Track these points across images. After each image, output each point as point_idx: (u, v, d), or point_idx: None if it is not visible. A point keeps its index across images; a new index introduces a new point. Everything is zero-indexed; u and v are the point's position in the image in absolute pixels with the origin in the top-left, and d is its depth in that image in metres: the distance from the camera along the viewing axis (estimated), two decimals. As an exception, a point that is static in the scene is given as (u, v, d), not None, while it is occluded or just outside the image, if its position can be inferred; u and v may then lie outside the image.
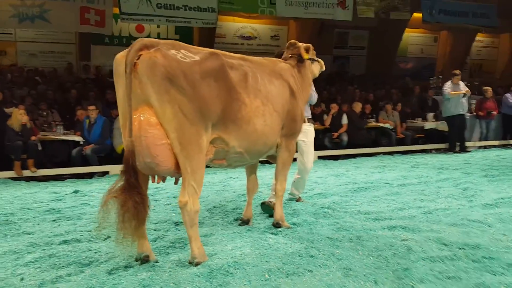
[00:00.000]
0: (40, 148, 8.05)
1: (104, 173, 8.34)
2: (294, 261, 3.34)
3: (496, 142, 11.83)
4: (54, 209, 5.28)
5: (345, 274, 3.09)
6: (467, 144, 11.05)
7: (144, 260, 3.36)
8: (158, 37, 16.18)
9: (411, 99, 13.77)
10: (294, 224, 4.39)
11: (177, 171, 3.21)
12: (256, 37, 17.83)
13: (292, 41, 4.64)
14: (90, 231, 4.32)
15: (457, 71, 10.73)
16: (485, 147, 11.70)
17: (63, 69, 14.00)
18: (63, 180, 7.83)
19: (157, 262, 3.40)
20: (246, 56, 3.92)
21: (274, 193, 4.58)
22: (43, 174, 7.84)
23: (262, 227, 4.36)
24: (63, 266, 3.39)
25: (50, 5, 12.07)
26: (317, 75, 4.91)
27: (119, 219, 3.00)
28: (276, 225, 4.29)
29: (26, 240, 4.04)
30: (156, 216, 4.82)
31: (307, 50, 4.45)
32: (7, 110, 8.87)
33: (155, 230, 4.32)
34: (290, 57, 4.51)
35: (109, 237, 4.12)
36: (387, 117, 11.18)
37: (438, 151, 11.03)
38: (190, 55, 3.18)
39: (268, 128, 3.78)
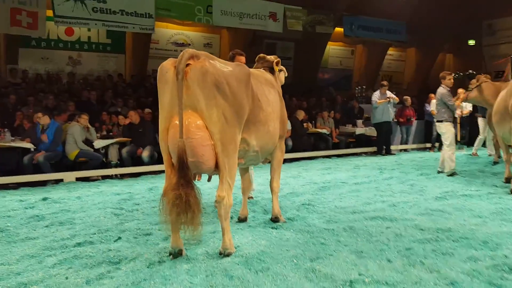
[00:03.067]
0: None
1: (57, 181, 8.06)
2: (311, 249, 3.81)
3: (415, 146, 13.40)
4: (37, 215, 5.18)
5: (359, 256, 3.63)
6: (391, 147, 12.40)
7: (178, 254, 3.60)
8: (89, 40, 15.72)
9: (337, 107, 15.00)
10: (289, 219, 4.85)
11: (216, 170, 3.52)
12: (189, 44, 18.00)
13: (262, 55, 5.02)
14: (95, 234, 4.40)
15: (385, 82, 12.07)
16: (405, 150, 13.17)
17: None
18: (15, 189, 7.46)
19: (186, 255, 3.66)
20: None
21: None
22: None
23: (260, 223, 4.77)
24: (94, 265, 3.51)
25: (-22, 6, 11.24)
26: (283, 82, 5.39)
27: (179, 212, 3.22)
28: (275, 219, 4.74)
29: (36, 245, 4.02)
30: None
31: (277, 63, 4.94)
32: None
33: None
34: (262, 69, 4.91)
35: (120, 238, 4.26)
36: (324, 123, 12.14)
37: (367, 154, 12.22)
38: (224, 65, 3.54)
39: (275, 130, 4.28)
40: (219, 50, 18.29)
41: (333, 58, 21.68)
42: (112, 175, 8.78)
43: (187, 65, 3.35)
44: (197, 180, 3.72)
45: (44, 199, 6.18)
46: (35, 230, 4.56)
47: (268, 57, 4.94)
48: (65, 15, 11.81)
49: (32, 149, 8.05)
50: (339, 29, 18.06)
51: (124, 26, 12.89)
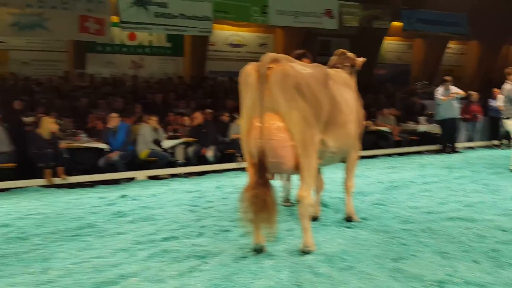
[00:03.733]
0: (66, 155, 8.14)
1: (129, 179, 8.50)
2: (392, 249, 3.81)
3: (481, 143, 12.83)
4: (119, 212, 5.52)
5: (444, 257, 3.59)
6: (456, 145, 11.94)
7: (260, 250, 3.73)
8: (150, 44, 16.37)
9: (396, 103, 14.65)
10: (362, 218, 4.85)
11: (296, 170, 3.61)
12: (244, 45, 18.27)
13: (342, 50, 5.04)
14: (177, 229, 4.63)
15: (448, 77, 11.64)
16: (471, 147, 12.64)
17: (59, 78, 13.87)
18: (91, 187, 7.94)
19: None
20: None
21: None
22: (72, 181, 7.92)
23: (333, 221, 4.81)
24: (183, 259, 3.71)
25: (49, 14, 11.99)
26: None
27: (256, 211, 3.35)
28: (348, 219, 4.76)
29: (126, 240, 4.30)
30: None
31: (359, 65, 4.93)
32: (26, 119, 8.91)
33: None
34: (342, 66, 4.91)
35: (201, 233, 4.46)
36: (384, 120, 11.92)
37: (430, 152, 11.84)
38: (303, 67, 3.62)
39: (352, 131, 4.30)
40: (273, 49, 18.38)
41: (390, 53, 21.20)
42: (179, 173, 9.13)
43: (268, 68, 3.45)
44: (272, 179, 3.81)
45: (122, 196, 6.54)
46: (121, 225, 4.86)
47: (349, 54, 4.94)
48: (130, 21, 12.37)
49: (107, 149, 8.52)
50: (395, 24, 17.65)
51: (183, 29, 13.33)
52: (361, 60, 5.05)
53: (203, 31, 13.61)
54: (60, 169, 7.81)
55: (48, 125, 7.78)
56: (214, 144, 9.60)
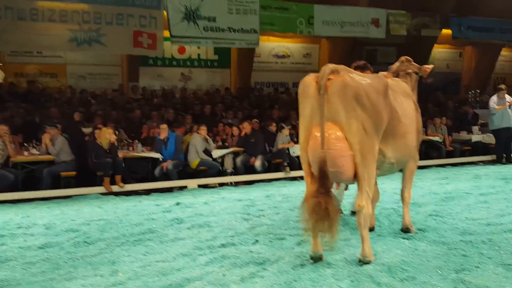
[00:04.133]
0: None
1: (181, 188, 8.76)
2: (453, 260, 3.75)
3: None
4: (176, 218, 5.72)
5: (508, 269, 3.50)
6: (512, 155, 11.44)
7: (318, 259, 3.78)
8: (198, 57, 16.84)
9: (447, 112, 14.22)
10: (419, 229, 4.78)
11: (355, 179, 3.65)
12: (289, 56, 18.40)
13: (406, 57, 5.03)
14: (233, 236, 4.76)
15: (503, 86, 11.26)
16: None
17: (114, 90, 14.52)
18: (146, 195, 8.25)
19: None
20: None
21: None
22: (129, 189, 8.27)
23: (389, 232, 4.77)
24: (242, 265, 3.82)
25: (105, 29, 12.60)
26: None
27: (318, 219, 3.41)
28: (405, 230, 4.70)
29: (186, 245, 4.47)
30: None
31: (425, 72, 4.90)
32: (84, 129, 9.41)
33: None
34: (404, 73, 4.89)
35: (257, 241, 4.56)
36: (436, 130, 11.62)
37: (484, 162, 11.41)
38: (362, 77, 3.66)
39: (412, 142, 4.29)
40: (318, 59, 18.39)
41: (439, 61, 20.64)
42: (228, 182, 9.31)
43: (328, 79, 3.52)
44: (336, 188, 3.86)
45: (177, 204, 6.77)
46: (179, 231, 5.05)
47: (414, 63, 4.92)
48: (180, 35, 12.81)
49: (161, 159, 8.84)
50: (445, 31, 17.21)
51: (231, 42, 13.61)
52: (429, 67, 5.01)
53: (250, 44, 13.85)
54: (118, 177, 8.18)
55: (107, 136, 8.18)
56: (262, 154, 9.73)
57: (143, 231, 5.10)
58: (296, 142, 10.21)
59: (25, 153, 8.33)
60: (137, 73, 15.47)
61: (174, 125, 10.37)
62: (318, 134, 3.51)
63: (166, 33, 13.07)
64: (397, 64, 5.02)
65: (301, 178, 9.47)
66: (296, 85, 18.27)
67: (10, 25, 11.48)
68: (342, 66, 3.70)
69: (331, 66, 3.57)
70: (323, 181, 3.47)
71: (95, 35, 12.71)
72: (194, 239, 4.69)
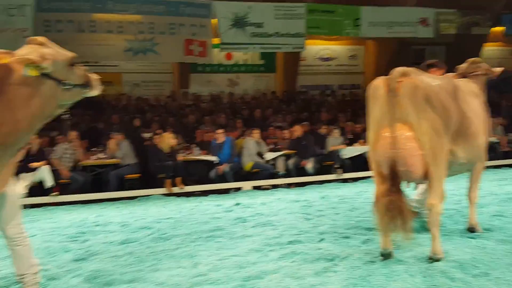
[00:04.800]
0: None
1: (236, 189, 9.06)
2: (525, 258, 3.77)
3: None
4: (239, 218, 6.00)
5: None
6: None
7: (388, 256, 3.90)
8: (245, 63, 17.20)
9: (502, 112, 13.80)
10: (484, 229, 4.79)
11: (425, 178, 3.76)
12: (334, 58, 18.42)
13: (476, 59, 5.01)
14: (298, 234, 4.96)
15: None
16: None
17: (166, 97, 15.12)
18: (205, 196, 8.60)
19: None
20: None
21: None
22: (189, 191, 8.67)
23: (453, 231, 4.81)
24: (313, 260, 4.00)
25: (159, 39, 13.17)
26: None
27: (392, 217, 3.56)
28: (471, 229, 4.73)
29: (255, 242, 4.71)
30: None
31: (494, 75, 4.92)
32: (145, 135, 9.93)
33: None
34: (471, 74, 4.91)
35: (323, 239, 4.73)
36: (491, 130, 11.32)
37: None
38: (432, 79, 3.78)
39: (482, 142, 4.35)
40: (364, 61, 18.29)
41: (490, 60, 19.95)
42: (280, 184, 9.53)
43: (398, 82, 3.66)
44: (407, 187, 3.98)
45: (237, 204, 7.05)
46: (246, 229, 5.31)
47: (482, 64, 4.95)
48: (229, 42, 13.18)
49: (216, 162, 9.19)
50: (495, 29, 16.72)
51: (278, 47, 13.87)
52: (498, 69, 5.03)
53: (296, 48, 14.06)
54: (178, 179, 8.60)
55: (169, 140, 8.63)
56: (313, 156, 9.89)
57: (212, 228, 5.40)
58: (348, 144, 10.32)
59: (92, 157, 8.91)
60: (187, 79, 16.02)
61: (227, 129, 10.71)
62: (388, 135, 3.65)
63: (214, 40, 13.52)
64: (464, 65, 5.04)
65: (353, 179, 9.62)
66: (342, 87, 18.24)
67: (70, 38, 12.20)
68: (411, 69, 3.82)
69: (400, 69, 3.70)
70: (394, 180, 3.61)
71: (150, 45, 13.30)
72: (261, 236, 4.92)
